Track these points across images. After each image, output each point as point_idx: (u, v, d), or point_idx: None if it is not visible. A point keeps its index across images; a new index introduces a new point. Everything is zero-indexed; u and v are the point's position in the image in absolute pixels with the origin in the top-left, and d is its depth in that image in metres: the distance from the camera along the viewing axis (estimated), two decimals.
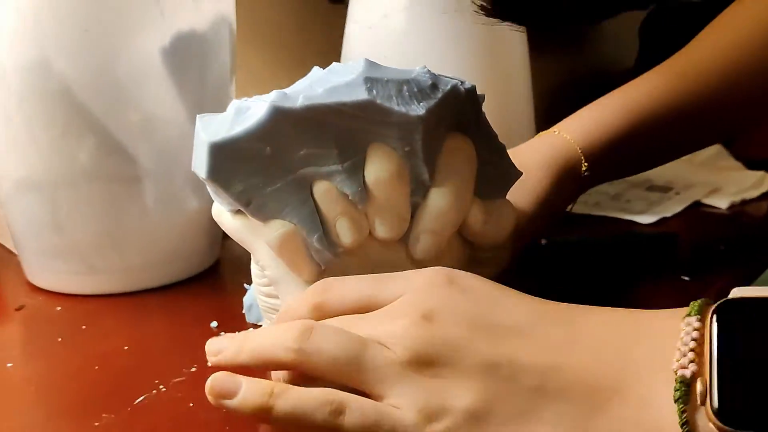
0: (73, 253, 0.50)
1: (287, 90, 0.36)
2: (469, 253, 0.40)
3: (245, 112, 0.36)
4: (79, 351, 0.43)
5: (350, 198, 0.35)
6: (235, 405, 0.31)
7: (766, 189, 0.73)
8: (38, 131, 0.47)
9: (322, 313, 0.34)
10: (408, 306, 0.31)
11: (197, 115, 0.37)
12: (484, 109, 0.40)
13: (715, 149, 0.87)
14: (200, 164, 0.36)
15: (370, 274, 0.36)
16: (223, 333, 0.45)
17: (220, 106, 0.52)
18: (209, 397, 0.32)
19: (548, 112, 1.37)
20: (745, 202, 0.71)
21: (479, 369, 0.30)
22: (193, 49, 0.49)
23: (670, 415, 0.27)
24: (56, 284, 0.51)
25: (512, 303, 0.31)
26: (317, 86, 0.36)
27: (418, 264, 0.37)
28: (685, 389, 0.27)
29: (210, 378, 0.32)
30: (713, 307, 0.28)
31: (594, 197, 0.72)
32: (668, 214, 0.66)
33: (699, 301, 0.29)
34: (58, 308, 0.49)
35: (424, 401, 0.29)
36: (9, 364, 0.42)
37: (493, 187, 0.39)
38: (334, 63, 0.38)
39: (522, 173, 0.41)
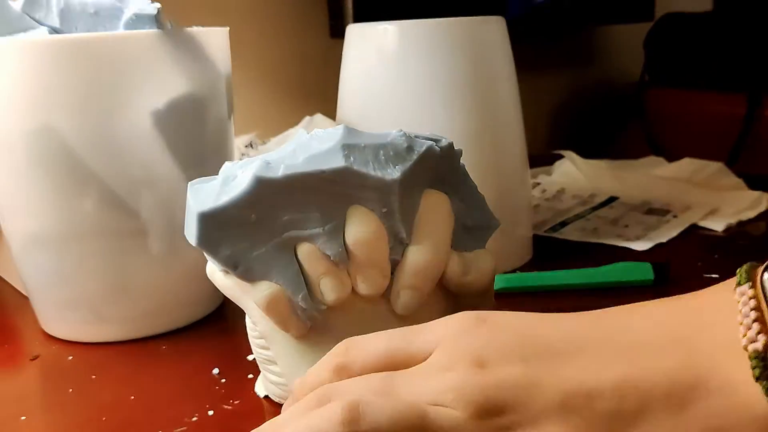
0: (82, 304, 0.53)
1: (271, 157, 0.38)
2: (453, 303, 0.41)
3: (231, 181, 0.38)
4: (89, 402, 0.46)
5: (332, 258, 0.37)
6: None
7: (763, 209, 0.74)
8: (45, 190, 0.50)
9: (346, 375, 0.32)
10: (451, 356, 0.29)
11: (188, 183, 0.39)
12: (468, 158, 0.42)
13: (716, 166, 0.88)
14: (191, 231, 0.38)
15: (355, 328, 0.38)
16: (224, 380, 0.47)
17: (219, 153, 0.55)
18: None
19: (555, 127, 1.38)
20: (741, 224, 0.71)
21: (552, 405, 0.28)
22: (189, 109, 0.52)
23: (757, 394, 0.25)
24: (68, 333, 0.54)
25: (552, 324, 0.30)
26: (299, 153, 0.38)
27: (401, 318, 0.39)
28: (763, 363, 0.25)
29: None
30: (762, 268, 0.26)
31: (593, 222, 0.74)
32: (663, 240, 0.67)
33: (744, 266, 0.27)
34: (70, 357, 0.52)
35: None
36: (23, 417, 0.44)
37: (473, 238, 0.41)
38: (315, 129, 0.40)
39: (500, 224, 0.42)
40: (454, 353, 0.30)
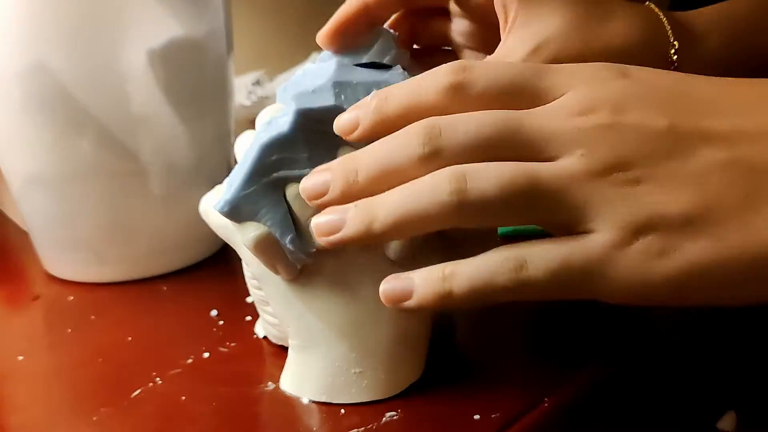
0: (82, 244, 0.52)
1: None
2: (452, 249, 0.40)
3: None
4: (86, 343, 0.45)
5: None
6: (415, 305, 0.29)
7: None
8: (41, 129, 0.49)
9: (459, 98, 0.28)
10: (588, 99, 0.27)
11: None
12: None
13: None
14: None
15: (346, 272, 0.37)
16: (222, 322, 0.47)
17: (217, 92, 0.54)
18: (388, 305, 0.30)
19: None
20: None
21: (700, 166, 0.25)
22: (186, 46, 0.50)
23: None
24: (69, 273, 0.54)
25: (707, 81, 0.27)
26: (290, 90, 0.36)
27: (393, 263, 0.37)
28: None
29: (381, 286, 0.30)
30: None
31: None
32: None
33: None
34: (71, 298, 0.52)
35: (626, 215, 0.25)
36: (20, 357, 0.44)
37: None
38: (308, 64, 0.38)
39: None
40: (591, 97, 0.27)
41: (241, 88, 0.77)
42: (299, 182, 0.36)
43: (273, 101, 0.76)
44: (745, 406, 0.64)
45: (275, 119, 0.37)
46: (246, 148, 0.37)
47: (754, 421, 0.63)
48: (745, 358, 0.62)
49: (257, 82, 0.76)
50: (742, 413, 0.62)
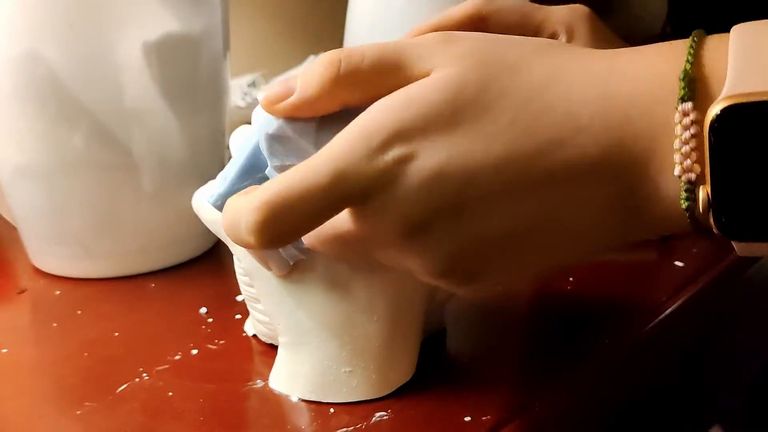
0: (71, 238, 0.51)
1: None
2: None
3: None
4: (72, 337, 0.45)
5: None
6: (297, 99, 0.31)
7: None
8: (32, 120, 0.48)
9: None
10: None
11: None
12: None
13: None
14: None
15: (339, 269, 0.37)
16: (211, 319, 0.46)
17: (212, 91, 0.53)
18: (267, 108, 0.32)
19: None
20: None
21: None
22: (181, 43, 0.50)
23: (678, 211, 0.26)
24: (57, 268, 0.53)
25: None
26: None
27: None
28: (692, 195, 0.26)
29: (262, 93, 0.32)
30: (717, 109, 0.25)
31: None
32: None
33: (687, 63, 0.26)
34: (57, 292, 0.51)
35: None
36: (4, 350, 0.43)
37: None
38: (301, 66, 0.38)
39: None
40: None
41: (237, 90, 0.77)
42: None
43: None
44: (731, 421, 0.64)
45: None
46: (241, 142, 0.37)
47: None
48: (731, 372, 0.62)
49: (253, 84, 0.75)
50: (728, 428, 0.62)
